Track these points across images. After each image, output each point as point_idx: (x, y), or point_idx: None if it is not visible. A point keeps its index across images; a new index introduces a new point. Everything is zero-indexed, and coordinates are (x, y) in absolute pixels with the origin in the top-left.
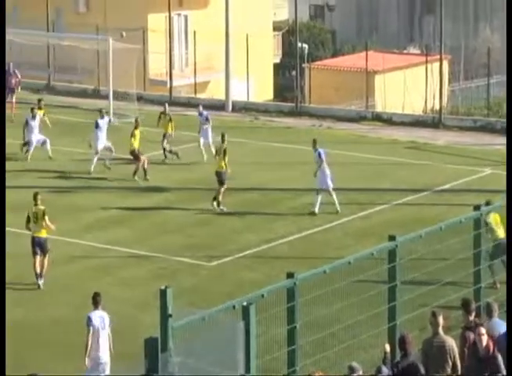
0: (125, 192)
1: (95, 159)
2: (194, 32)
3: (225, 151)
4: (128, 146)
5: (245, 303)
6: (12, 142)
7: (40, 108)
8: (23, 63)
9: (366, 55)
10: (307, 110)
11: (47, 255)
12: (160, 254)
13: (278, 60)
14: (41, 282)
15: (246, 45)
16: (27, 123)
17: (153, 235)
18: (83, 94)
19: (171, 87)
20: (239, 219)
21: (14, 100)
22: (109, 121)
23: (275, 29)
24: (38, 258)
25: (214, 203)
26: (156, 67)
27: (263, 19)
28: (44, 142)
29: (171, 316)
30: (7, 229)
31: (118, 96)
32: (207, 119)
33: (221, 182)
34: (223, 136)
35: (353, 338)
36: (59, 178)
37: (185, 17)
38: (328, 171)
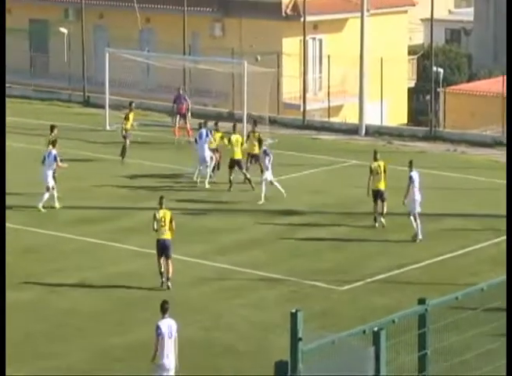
0: (258, 215)
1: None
2: (328, 56)
3: (385, 169)
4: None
5: (375, 328)
6: (164, 166)
7: (217, 131)
8: (160, 87)
9: (503, 79)
10: (441, 134)
11: (170, 258)
12: (292, 278)
13: (412, 84)
14: (169, 283)
15: (381, 69)
16: (196, 142)
17: (285, 258)
18: (218, 117)
19: (304, 111)
20: (371, 244)
21: (188, 126)
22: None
23: (410, 53)
24: (163, 260)
25: (382, 219)
26: (290, 91)
27: (398, 43)
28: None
29: (301, 339)
30: (149, 251)
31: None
32: (265, 153)
33: (383, 200)
34: (376, 154)
35: (485, 366)
36: (193, 200)
37: (320, 41)
38: (417, 196)
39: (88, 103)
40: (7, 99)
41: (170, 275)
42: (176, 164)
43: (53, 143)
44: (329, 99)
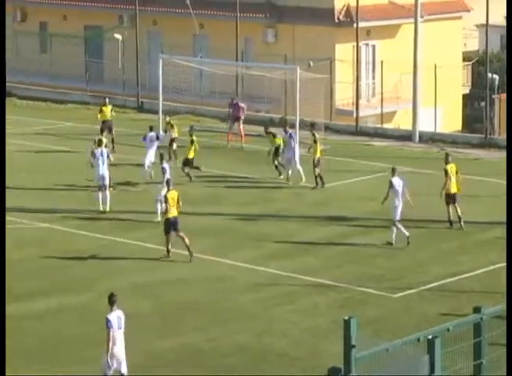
0: (309, 220)
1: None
2: (381, 62)
3: (457, 172)
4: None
5: (430, 336)
6: (216, 172)
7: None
8: (213, 93)
9: None
10: (496, 141)
11: (179, 231)
12: (344, 284)
13: (467, 91)
14: (191, 256)
15: (435, 76)
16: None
17: (337, 264)
18: (270, 123)
19: (357, 117)
20: (425, 251)
21: (242, 132)
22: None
23: (465, 59)
24: (171, 235)
25: (462, 223)
26: (343, 97)
27: (453, 49)
28: (290, 162)
29: (354, 346)
30: (201, 256)
31: (305, 126)
32: (163, 170)
33: (455, 202)
34: (447, 156)
35: None
36: (245, 205)
37: (373, 47)
38: (397, 202)
39: (142, 109)
40: (64, 105)
41: (188, 244)
42: (228, 170)
43: (99, 143)
44: (382, 106)
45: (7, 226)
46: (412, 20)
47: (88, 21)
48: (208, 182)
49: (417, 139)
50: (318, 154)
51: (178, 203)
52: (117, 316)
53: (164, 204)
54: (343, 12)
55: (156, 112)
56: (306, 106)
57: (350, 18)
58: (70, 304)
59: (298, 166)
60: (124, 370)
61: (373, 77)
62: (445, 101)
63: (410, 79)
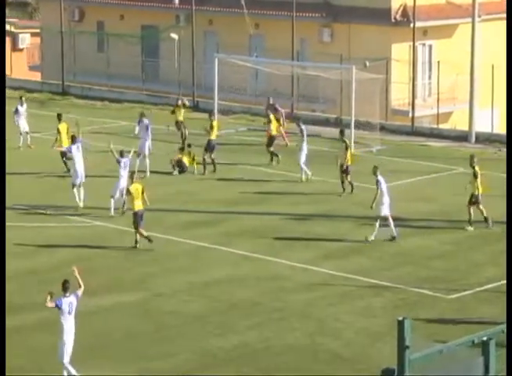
0: (363, 221)
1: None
2: (438, 62)
3: (475, 174)
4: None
5: (485, 338)
6: (268, 171)
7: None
8: (269, 92)
9: None
10: None
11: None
12: (399, 285)
13: None
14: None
15: (492, 76)
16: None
17: (391, 265)
18: (325, 123)
19: (413, 117)
20: (481, 252)
21: (283, 131)
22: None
23: None
24: (142, 227)
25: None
26: (399, 97)
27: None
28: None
29: (408, 347)
30: (255, 255)
31: (360, 126)
32: (118, 161)
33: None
34: (472, 158)
35: None
36: (299, 205)
37: (430, 47)
38: (385, 199)
39: (198, 108)
40: (120, 104)
41: (146, 235)
42: (277, 169)
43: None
44: (438, 106)
45: (65, 225)
46: (469, 20)
47: (145, 21)
48: (258, 182)
49: (474, 139)
50: (349, 162)
51: (142, 195)
52: (69, 302)
53: (127, 199)
54: (399, 12)
55: (211, 111)
56: (362, 106)
57: (407, 18)
58: (123, 302)
59: (301, 164)
60: (66, 359)
61: (430, 77)
62: (502, 102)
63: (467, 79)
